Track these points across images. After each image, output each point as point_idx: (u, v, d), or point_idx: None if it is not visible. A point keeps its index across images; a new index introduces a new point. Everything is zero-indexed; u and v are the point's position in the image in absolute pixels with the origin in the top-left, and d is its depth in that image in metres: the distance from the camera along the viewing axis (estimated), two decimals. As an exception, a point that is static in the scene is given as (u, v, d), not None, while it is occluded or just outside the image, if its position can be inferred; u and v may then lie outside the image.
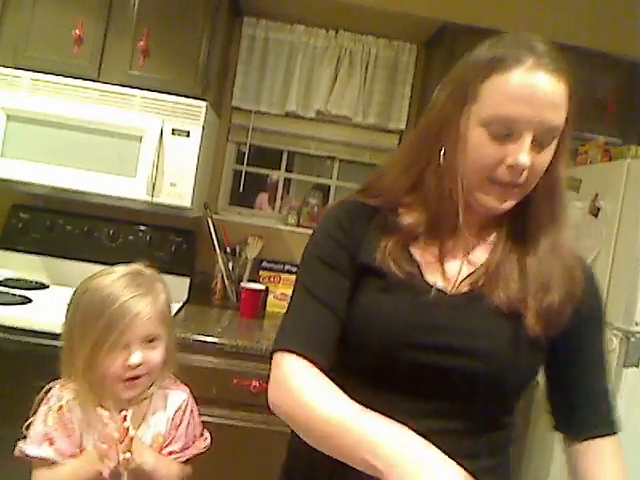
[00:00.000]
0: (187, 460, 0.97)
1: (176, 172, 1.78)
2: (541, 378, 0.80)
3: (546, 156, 0.69)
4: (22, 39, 1.79)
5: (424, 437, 0.57)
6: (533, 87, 0.65)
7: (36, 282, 1.93)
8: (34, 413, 0.90)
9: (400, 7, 1.98)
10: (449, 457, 0.55)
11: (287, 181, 2.48)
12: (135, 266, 0.96)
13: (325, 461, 0.63)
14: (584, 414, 0.77)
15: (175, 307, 1.87)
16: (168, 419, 0.96)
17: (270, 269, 2.13)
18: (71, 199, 1.98)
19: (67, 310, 0.92)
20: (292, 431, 0.78)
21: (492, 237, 0.78)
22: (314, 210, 2.31)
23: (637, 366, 1.49)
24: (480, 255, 0.77)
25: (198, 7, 1.85)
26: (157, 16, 1.83)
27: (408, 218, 0.77)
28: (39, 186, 1.77)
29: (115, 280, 0.90)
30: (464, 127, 0.69)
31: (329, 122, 2.32)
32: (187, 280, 2.07)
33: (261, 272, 2.13)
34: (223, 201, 2.38)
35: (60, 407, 0.88)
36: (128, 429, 0.82)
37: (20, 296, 1.70)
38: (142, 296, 0.89)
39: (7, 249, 2.02)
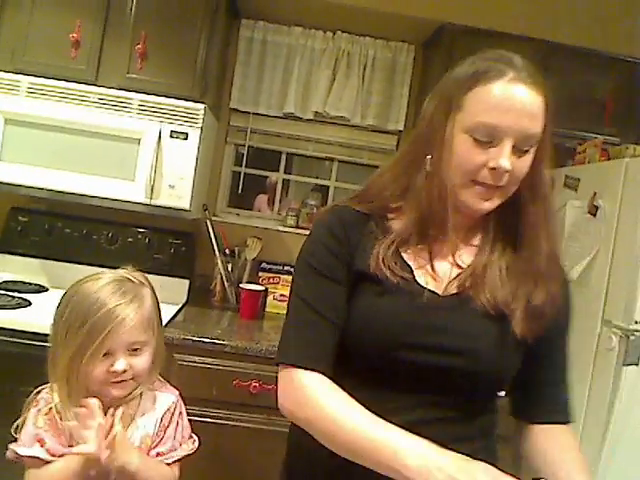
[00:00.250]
0: (176, 462, 0.97)
1: (175, 174, 1.78)
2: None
3: (526, 161, 0.74)
4: (20, 43, 1.79)
5: (422, 425, 0.67)
6: (513, 98, 0.71)
7: (35, 285, 1.93)
8: (23, 415, 0.91)
9: (397, 8, 1.99)
10: (446, 442, 0.64)
11: (286, 182, 2.48)
12: (123, 272, 0.96)
13: (324, 454, 0.68)
14: (542, 402, 0.83)
15: (174, 309, 1.88)
16: (157, 420, 0.97)
17: (269, 270, 2.14)
18: (70, 202, 1.98)
19: (55, 312, 0.93)
20: (291, 426, 0.82)
21: (478, 240, 0.83)
22: (313, 211, 2.31)
23: (637, 364, 1.49)
24: (467, 258, 0.81)
25: (196, 10, 1.85)
26: (155, 19, 1.84)
27: (398, 223, 0.82)
28: (38, 190, 1.77)
29: (102, 287, 0.91)
30: (450, 134, 0.75)
31: (327, 123, 2.32)
32: (186, 282, 2.07)
33: (260, 273, 2.13)
34: (222, 203, 2.38)
35: (49, 409, 0.89)
36: (112, 425, 0.83)
37: (19, 299, 1.70)
38: (127, 304, 0.90)
39: (6, 252, 2.02)
